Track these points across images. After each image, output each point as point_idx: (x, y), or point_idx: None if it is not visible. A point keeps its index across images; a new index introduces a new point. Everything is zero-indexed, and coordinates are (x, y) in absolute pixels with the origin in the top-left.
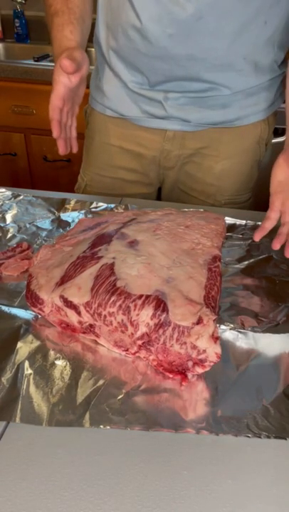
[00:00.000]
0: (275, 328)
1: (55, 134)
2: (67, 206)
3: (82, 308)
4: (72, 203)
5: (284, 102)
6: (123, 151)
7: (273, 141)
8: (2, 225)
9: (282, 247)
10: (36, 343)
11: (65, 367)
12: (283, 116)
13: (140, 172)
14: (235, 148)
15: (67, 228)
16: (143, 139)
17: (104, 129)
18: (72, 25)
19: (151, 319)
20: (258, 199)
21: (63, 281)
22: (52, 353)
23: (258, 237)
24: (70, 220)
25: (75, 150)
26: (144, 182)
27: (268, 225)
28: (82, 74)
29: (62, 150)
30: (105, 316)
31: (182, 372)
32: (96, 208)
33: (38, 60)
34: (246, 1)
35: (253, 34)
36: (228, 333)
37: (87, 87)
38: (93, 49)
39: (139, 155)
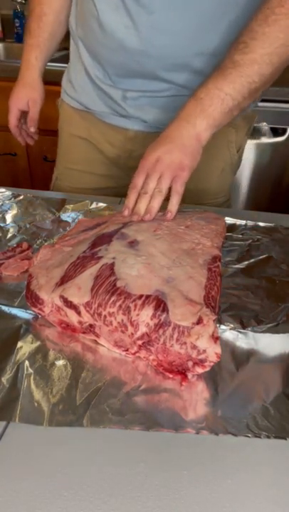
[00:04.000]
0: (275, 328)
1: (20, 141)
2: (67, 206)
3: (82, 308)
4: (73, 203)
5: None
6: (89, 145)
7: (273, 140)
8: (2, 225)
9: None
10: (36, 343)
11: (65, 367)
12: (282, 117)
13: (106, 166)
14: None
15: (67, 228)
16: (107, 135)
17: (72, 122)
18: (39, 50)
19: (151, 319)
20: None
21: (63, 281)
22: (52, 353)
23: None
24: (70, 220)
25: (31, 142)
26: (113, 176)
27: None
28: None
29: (22, 143)
30: (105, 316)
31: (182, 372)
32: (96, 208)
33: None
34: (201, 0)
35: (216, 33)
36: (228, 333)
37: (57, 84)
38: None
39: (104, 150)
